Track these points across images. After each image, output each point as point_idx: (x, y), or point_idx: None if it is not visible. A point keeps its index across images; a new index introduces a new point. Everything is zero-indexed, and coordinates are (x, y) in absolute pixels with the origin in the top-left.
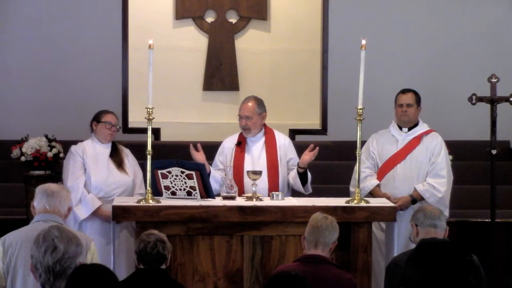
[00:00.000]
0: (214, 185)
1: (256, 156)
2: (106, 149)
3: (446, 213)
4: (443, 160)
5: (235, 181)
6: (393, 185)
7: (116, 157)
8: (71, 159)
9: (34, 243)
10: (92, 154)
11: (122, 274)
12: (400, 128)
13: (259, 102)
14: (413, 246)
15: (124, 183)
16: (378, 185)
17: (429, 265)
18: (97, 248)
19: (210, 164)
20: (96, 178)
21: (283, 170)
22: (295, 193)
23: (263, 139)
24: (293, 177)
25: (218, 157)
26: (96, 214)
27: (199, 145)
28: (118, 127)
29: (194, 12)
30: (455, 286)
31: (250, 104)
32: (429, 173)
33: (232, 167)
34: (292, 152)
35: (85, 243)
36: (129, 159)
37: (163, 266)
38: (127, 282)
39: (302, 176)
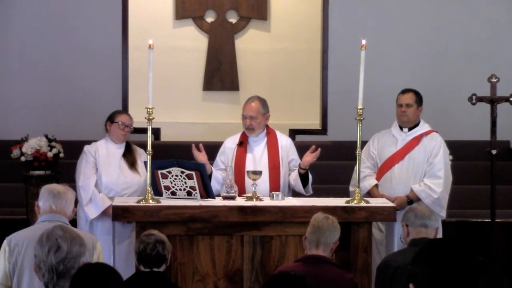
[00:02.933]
0: (216, 185)
1: (258, 157)
2: (119, 149)
3: (443, 213)
4: (441, 160)
5: (236, 181)
6: (390, 185)
7: (129, 157)
8: (83, 159)
9: (38, 242)
10: (104, 154)
11: (131, 273)
12: (401, 128)
13: (263, 102)
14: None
15: (136, 183)
16: (376, 185)
17: (438, 264)
18: (107, 247)
19: (212, 165)
20: (106, 178)
21: (285, 171)
22: (295, 194)
23: (265, 139)
24: (294, 178)
25: (220, 157)
26: (106, 213)
27: (201, 145)
28: (131, 127)
29: (194, 12)
30: (466, 286)
31: (254, 104)
32: (426, 173)
33: (232, 167)
34: (293, 153)
35: (91, 243)
36: (142, 159)
37: (163, 266)
38: (127, 284)
39: (303, 177)
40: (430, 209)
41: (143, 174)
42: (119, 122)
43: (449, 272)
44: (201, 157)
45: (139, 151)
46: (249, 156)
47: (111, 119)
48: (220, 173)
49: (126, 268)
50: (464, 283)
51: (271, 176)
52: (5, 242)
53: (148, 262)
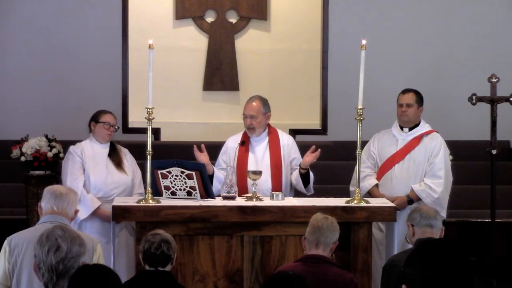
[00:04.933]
0: (218, 185)
1: (260, 156)
2: (104, 149)
3: (443, 213)
4: (441, 160)
5: (238, 181)
6: (391, 185)
7: (115, 157)
8: (69, 160)
9: (38, 242)
10: (90, 154)
11: (121, 273)
12: (402, 128)
13: (264, 102)
14: (410, 246)
15: (123, 183)
16: (376, 185)
17: (431, 265)
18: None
19: (214, 165)
20: (95, 178)
21: (286, 170)
22: (297, 193)
23: (267, 139)
24: (296, 177)
25: (222, 157)
26: (95, 214)
27: (203, 146)
28: (116, 127)
29: (194, 12)
30: (459, 287)
31: (255, 103)
32: (427, 173)
33: (233, 167)
34: (295, 152)
35: (91, 244)
36: (127, 158)
37: (169, 266)
38: (131, 283)
39: (304, 177)
40: (435, 209)
41: (130, 174)
42: (105, 122)
43: (442, 273)
44: (202, 158)
45: (123, 151)
46: (251, 156)
47: (95, 119)
48: (222, 172)
49: (117, 267)
50: (457, 284)
51: (274, 175)
52: (5, 242)
53: (153, 261)
